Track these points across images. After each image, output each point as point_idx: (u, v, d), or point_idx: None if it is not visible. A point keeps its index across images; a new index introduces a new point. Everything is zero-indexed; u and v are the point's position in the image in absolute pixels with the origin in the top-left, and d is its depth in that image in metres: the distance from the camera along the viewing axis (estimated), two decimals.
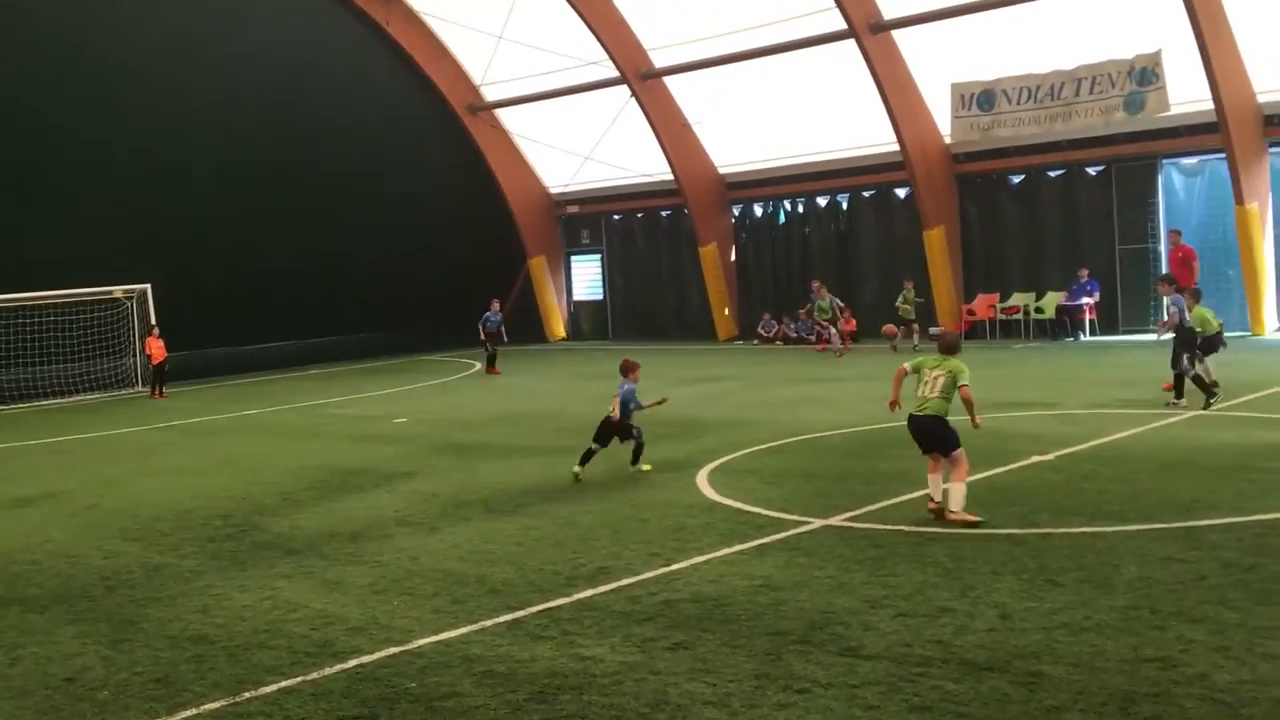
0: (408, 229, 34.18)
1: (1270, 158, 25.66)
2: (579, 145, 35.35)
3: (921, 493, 10.80)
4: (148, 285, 28.70)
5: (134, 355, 29.12)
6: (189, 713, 6.73)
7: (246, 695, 6.96)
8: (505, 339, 29.27)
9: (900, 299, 28.92)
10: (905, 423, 10.59)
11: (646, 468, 13.53)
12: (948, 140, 29.69)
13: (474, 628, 8.00)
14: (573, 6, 31.44)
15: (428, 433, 18.33)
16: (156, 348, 27.25)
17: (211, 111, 30.30)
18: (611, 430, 13.66)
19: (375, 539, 10.96)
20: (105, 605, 9.24)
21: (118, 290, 28.72)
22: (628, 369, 13.93)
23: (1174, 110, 25.78)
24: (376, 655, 7.54)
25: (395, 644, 7.75)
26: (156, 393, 27.19)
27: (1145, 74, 25.87)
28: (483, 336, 28.41)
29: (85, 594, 9.62)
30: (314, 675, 7.24)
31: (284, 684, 7.12)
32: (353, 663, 7.43)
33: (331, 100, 32.93)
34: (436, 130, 35.89)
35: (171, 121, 29.59)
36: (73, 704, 7.01)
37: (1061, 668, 6.53)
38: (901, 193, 31.11)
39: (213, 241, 30.14)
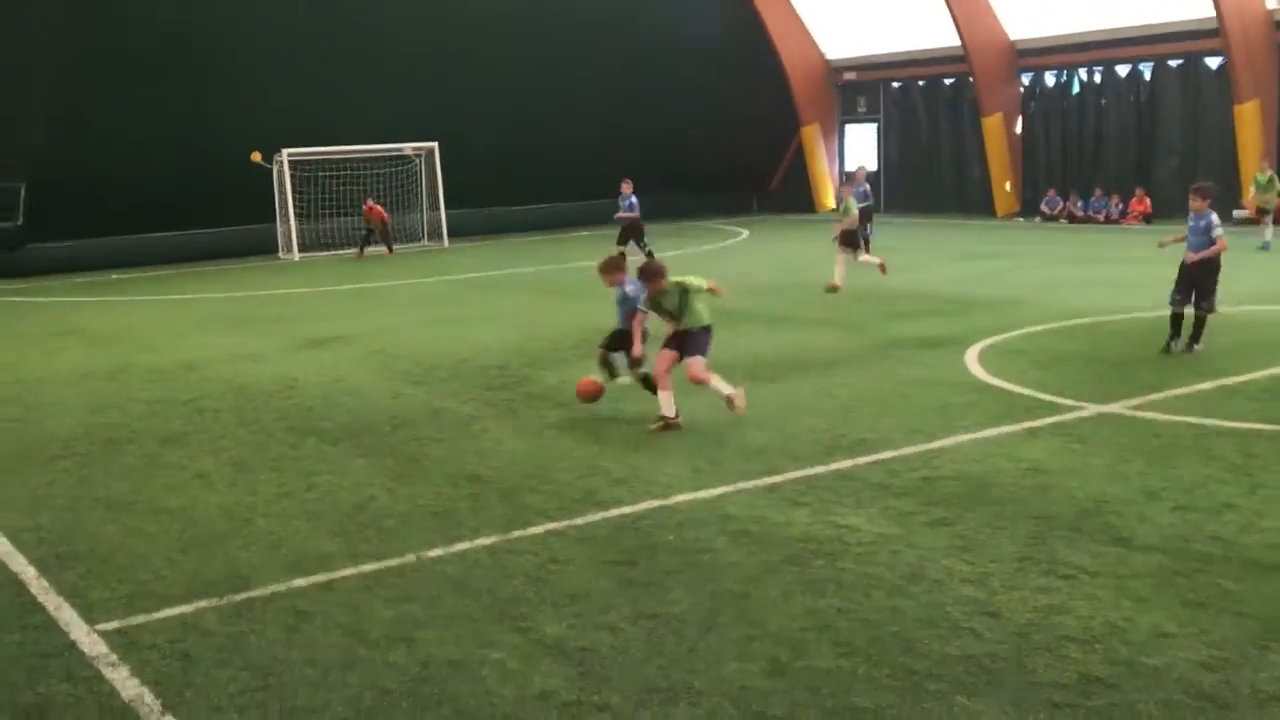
0: (680, 96, 34.01)
1: None
2: (861, 10, 34.05)
3: (1213, 384, 10.11)
4: (435, 144, 29.86)
5: (420, 211, 30.57)
6: (464, 546, 7.15)
7: (516, 534, 7.33)
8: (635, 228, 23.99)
9: (1256, 186, 24.71)
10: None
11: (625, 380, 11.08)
12: (1271, 5, 26.94)
13: (731, 488, 8.11)
14: None
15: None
16: (376, 211, 28.48)
17: None
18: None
19: (638, 397, 11.18)
20: (391, 442, 9.88)
21: (408, 148, 30.05)
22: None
23: None
24: (637, 507, 7.77)
25: (655, 498, 7.96)
26: (381, 251, 28.42)
27: None
28: (622, 217, 24.02)
29: (373, 430, 10.29)
30: (578, 520, 7.54)
31: (550, 526, 7.45)
32: (615, 512, 7.68)
33: None
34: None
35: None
36: (360, 529, 7.57)
37: None
38: (1213, 63, 28.59)
39: (498, 105, 30.95)
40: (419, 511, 7.89)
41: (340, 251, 28.73)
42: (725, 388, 9.96)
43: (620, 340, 10.87)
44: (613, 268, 10.98)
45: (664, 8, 33.91)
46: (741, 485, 8.17)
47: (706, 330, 10.15)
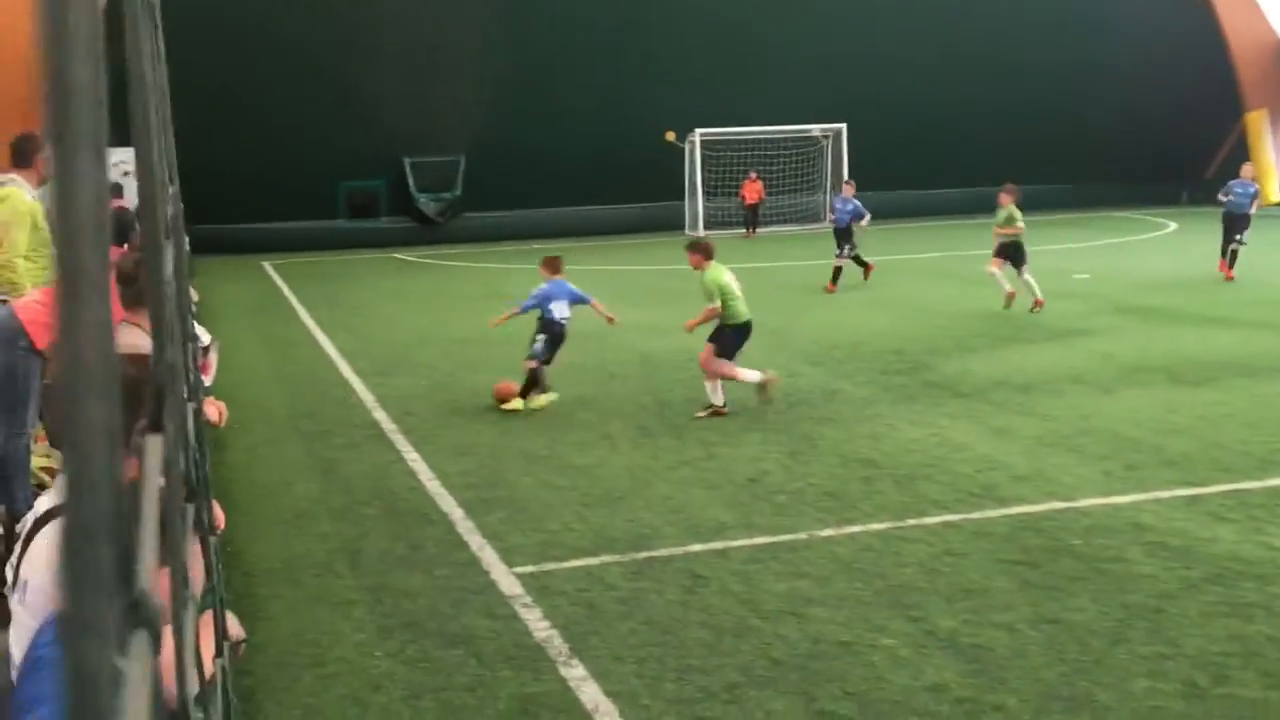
0: (1100, 74, 31.97)
1: None
2: None
3: None
4: (843, 125, 29.80)
5: (824, 192, 30.65)
6: (856, 529, 7.12)
7: (910, 522, 7.21)
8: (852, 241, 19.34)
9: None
10: None
11: (535, 403, 10.51)
12: None
13: (1146, 496, 7.57)
14: None
15: (1110, 291, 17.41)
16: (753, 190, 28.52)
17: None
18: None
19: (1046, 393, 10.70)
20: (786, 419, 9.98)
21: (815, 129, 30.18)
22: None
23: None
24: (1041, 507, 7.42)
25: (1060, 499, 7.57)
26: (750, 231, 28.51)
27: None
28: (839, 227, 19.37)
29: (771, 407, 10.44)
30: (975, 515, 7.30)
31: (946, 517, 7.27)
32: (1015, 510, 7.38)
33: None
34: None
35: None
36: (754, 501, 7.71)
37: None
38: None
39: (902, 87, 30.41)
40: (811, 490, 7.93)
41: (738, 230, 29.35)
42: (751, 375, 10.08)
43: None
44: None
45: None
46: (1159, 494, 7.61)
47: (737, 329, 10.21)
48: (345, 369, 12.89)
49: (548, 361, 10.68)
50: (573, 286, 11.02)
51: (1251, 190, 18.74)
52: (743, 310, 10.29)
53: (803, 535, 7.01)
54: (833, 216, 19.69)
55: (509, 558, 6.75)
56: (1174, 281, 18.41)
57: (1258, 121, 34.10)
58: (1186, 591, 5.99)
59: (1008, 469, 8.28)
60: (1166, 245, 24.90)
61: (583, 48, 27.98)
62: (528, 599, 6.13)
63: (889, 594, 6.07)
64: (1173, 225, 28.57)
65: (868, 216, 19.09)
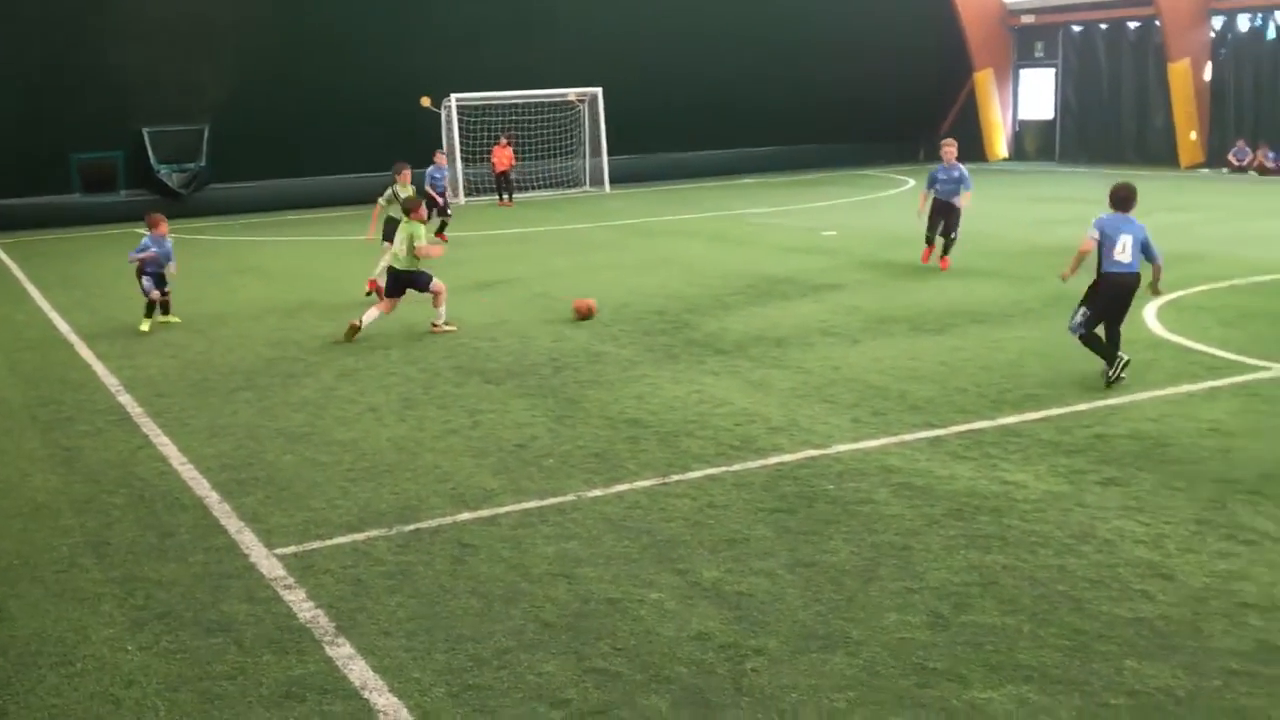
0: (845, 41, 33.22)
1: None
2: None
3: None
4: (599, 89, 29.93)
5: (584, 157, 30.77)
6: (623, 487, 7.23)
7: (674, 477, 7.37)
8: (449, 203, 21.34)
9: None
10: None
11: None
12: None
13: (893, 440, 7.99)
14: None
15: (856, 247, 18.19)
16: (502, 156, 28.35)
17: None
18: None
19: (799, 346, 11.12)
20: (553, 383, 10.02)
21: (571, 94, 30.22)
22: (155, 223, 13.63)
23: None
24: (796, 455, 7.72)
25: (814, 447, 7.89)
26: (505, 200, 28.30)
27: None
28: (435, 199, 20.54)
29: (535, 371, 10.46)
30: (736, 467, 7.53)
31: (709, 471, 7.47)
32: (773, 460, 7.65)
33: None
34: None
35: None
36: (522, 467, 7.72)
37: None
38: None
39: (663, 53, 30.75)
40: (579, 452, 8.00)
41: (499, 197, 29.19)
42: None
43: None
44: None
45: None
46: (904, 437, 8.04)
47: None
48: (85, 352, 12.16)
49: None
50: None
51: (956, 175, 15.64)
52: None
53: (571, 497, 7.07)
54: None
55: (270, 539, 6.55)
56: (914, 236, 19.35)
57: (984, 81, 36.20)
58: (930, 528, 6.36)
59: (765, 421, 8.57)
60: (906, 201, 26.17)
61: (334, 11, 27.07)
62: (290, 580, 5.96)
63: (655, 549, 6.20)
64: (911, 182, 30.02)
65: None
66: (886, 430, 8.21)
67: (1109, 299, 9.16)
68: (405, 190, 15.12)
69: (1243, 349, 10.21)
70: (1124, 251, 9.00)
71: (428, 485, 7.40)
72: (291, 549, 6.39)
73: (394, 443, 8.39)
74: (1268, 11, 30.23)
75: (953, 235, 15.60)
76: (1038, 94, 36.59)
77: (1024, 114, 37.11)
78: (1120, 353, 9.20)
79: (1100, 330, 9.28)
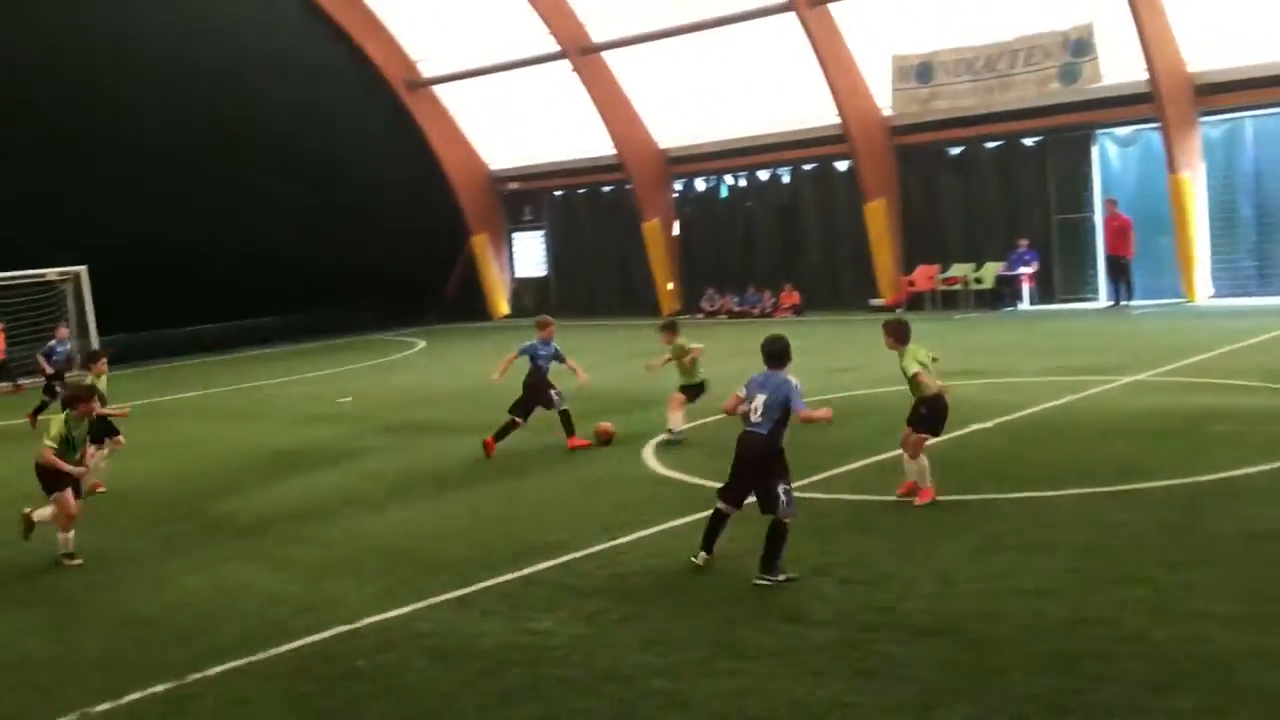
0: (347, 209, 33.69)
1: (1201, 127, 26.10)
2: (520, 121, 35.11)
3: (864, 462, 10.93)
4: (83, 268, 28.14)
5: (71, 339, 28.60)
6: (135, 696, 6.68)
7: (193, 677, 6.91)
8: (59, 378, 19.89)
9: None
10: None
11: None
12: (887, 113, 29.86)
13: (422, 605, 7.99)
14: None
15: (374, 412, 18.21)
16: None
17: (142, 87, 29.60)
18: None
19: (322, 518, 10.91)
20: (45, 588, 9.12)
21: (51, 273, 28.16)
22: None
23: (1107, 81, 26.11)
24: (326, 634, 7.52)
25: (344, 623, 7.73)
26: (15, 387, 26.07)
27: (1080, 45, 26.16)
28: (47, 371, 20.42)
29: (26, 577, 9.48)
30: (262, 655, 7.20)
31: (233, 664, 7.08)
32: (302, 642, 7.40)
33: (265, 77, 32.26)
34: (375, 107, 35.51)
35: (101, 99, 28.87)
36: (14, 691, 6.93)
37: (1005, 629, 6.67)
38: (842, 166, 31.24)
39: (147, 223, 29.53)
40: (82, 662, 7.31)
41: None
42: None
43: None
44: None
45: (327, 115, 33.65)
46: (433, 600, 8.08)
47: None
48: None
49: None
50: None
51: (548, 351, 14.02)
52: None
53: (72, 716, 6.42)
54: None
55: None
56: (429, 396, 19.72)
57: (482, 244, 37.99)
58: (464, 690, 6.40)
59: (291, 602, 8.29)
60: (418, 362, 26.66)
61: None
62: None
63: None
64: (422, 343, 30.66)
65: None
66: (416, 596, 8.21)
67: (735, 462, 8.28)
68: None
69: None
70: (755, 412, 8.18)
71: None
72: None
73: None
74: (719, 174, 34.22)
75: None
76: (531, 253, 38.91)
77: (521, 272, 39.21)
78: (782, 572, 7.91)
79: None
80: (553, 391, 13.79)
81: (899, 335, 9.91)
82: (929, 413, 9.84)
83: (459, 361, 25.99)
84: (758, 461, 8.09)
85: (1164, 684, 5.78)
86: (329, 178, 33.28)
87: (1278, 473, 9.94)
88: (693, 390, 13.84)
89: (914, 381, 9.76)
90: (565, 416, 13.66)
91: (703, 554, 8.28)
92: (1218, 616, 6.59)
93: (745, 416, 8.27)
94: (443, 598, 8.11)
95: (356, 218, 33.68)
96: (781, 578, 7.82)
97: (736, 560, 8.46)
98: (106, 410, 12.31)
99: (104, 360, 13.49)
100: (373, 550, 9.59)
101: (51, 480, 9.95)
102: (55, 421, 10.14)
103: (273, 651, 7.26)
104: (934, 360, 10.04)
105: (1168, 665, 5.99)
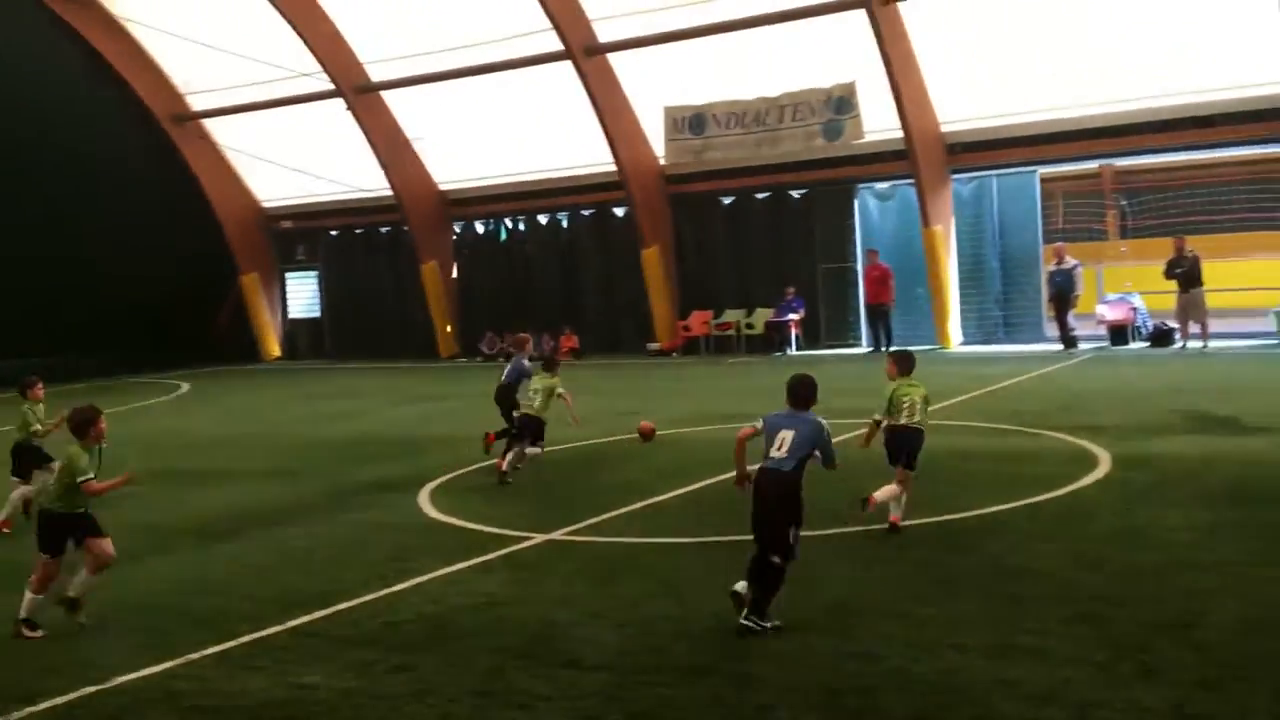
0: (106, 246, 32.05)
1: (952, 184, 27.80)
2: (294, 158, 34.27)
3: (642, 504, 11.07)
4: None
5: None
6: None
7: None
8: None
9: None
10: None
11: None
12: (662, 162, 30.59)
13: (178, 661, 7.59)
14: (284, 17, 30.55)
15: (133, 458, 17.23)
16: None
17: None
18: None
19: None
20: None
21: None
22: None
23: (868, 138, 27.54)
24: (73, 695, 7.04)
25: (93, 683, 7.25)
26: None
27: (842, 103, 27.51)
28: None
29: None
30: None
31: None
32: (45, 705, 6.90)
33: (10, 108, 30.42)
34: (137, 140, 34.06)
35: None
36: None
37: (772, 667, 6.83)
38: (620, 212, 31.79)
39: None
40: None
41: None
42: None
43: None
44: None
45: (84, 147, 31.98)
46: (191, 656, 7.67)
47: None
48: None
49: None
50: None
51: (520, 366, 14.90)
52: None
53: None
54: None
55: None
56: (197, 442, 18.86)
57: (252, 283, 36.77)
58: None
59: (35, 661, 7.74)
60: (182, 406, 25.50)
61: None
62: None
63: None
64: (186, 386, 29.37)
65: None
66: (172, 652, 7.78)
67: (757, 498, 7.85)
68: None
69: (506, 523, 11.17)
70: (779, 448, 7.80)
71: None
72: None
73: None
74: (499, 218, 34.25)
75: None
76: (304, 294, 37.92)
77: (294, 313, 38.15)
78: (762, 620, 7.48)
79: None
80: (515, 413, 14.23)
81: (902, 366, 11.39)
82: (889, 440, 10.78)
83: (223, 404, 25.01)
84: (782, 499, 7.70)
85: (926, 716, 6.03)
86: (84, 217, 31.59)
87: (1026, 509, 10.60)
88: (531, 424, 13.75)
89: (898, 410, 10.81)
90: (508, 433, 14.25)
91: (743, 583, 7.64)
92: (971, 649, 6.94)
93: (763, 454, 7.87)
94: (201, 654, 7.72)
95: (116, 255, 32.07)
96: (768, 625, 7.44)
97: (509, 607, 8.40)
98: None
99: (39, 384, 12.96)
100: (127, 606, 9.06)
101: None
102: (76, 458, 9.15)
103: (14, 716, 6.75)
104: (926, 400, 10.94)
105: (925, 697, 6.26)
